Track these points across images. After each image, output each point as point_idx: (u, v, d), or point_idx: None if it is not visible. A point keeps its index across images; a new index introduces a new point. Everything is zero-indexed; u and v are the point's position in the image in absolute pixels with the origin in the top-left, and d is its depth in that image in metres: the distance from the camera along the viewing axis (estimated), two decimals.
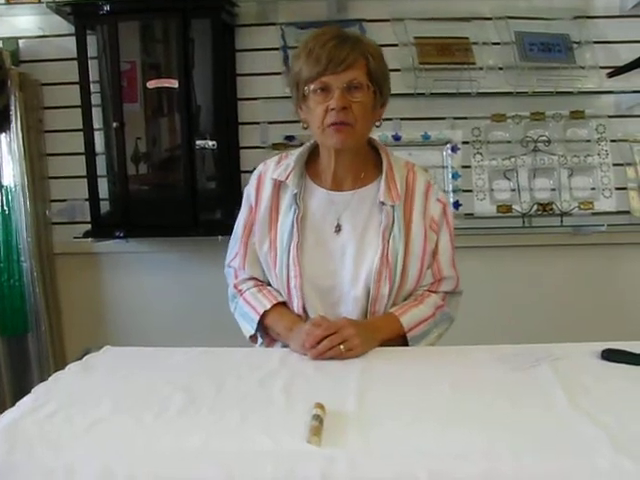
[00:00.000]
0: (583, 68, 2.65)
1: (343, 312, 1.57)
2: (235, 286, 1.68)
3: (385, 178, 1.58)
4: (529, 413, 1.10)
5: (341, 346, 1.39)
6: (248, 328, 1.63)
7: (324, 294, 1.57)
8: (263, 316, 1.60)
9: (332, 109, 1.47)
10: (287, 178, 1.58)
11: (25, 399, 1.20)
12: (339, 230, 1.58)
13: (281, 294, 1.61)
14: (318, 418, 1.04)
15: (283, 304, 1.60)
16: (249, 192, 1.67)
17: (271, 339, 1.63)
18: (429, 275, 1.63)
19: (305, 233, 1.58)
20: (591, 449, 0.95)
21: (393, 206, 1.57)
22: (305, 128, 1.59)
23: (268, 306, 1.59)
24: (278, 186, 1.61)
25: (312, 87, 1.48)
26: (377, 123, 1.59)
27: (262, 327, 1.62)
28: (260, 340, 1.65)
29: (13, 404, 1.18)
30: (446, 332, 1.66)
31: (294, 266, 1.56)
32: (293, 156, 1.62)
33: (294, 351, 1.45)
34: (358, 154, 1.59)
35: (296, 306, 1.58)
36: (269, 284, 1.66)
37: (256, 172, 1.67)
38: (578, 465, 0.93)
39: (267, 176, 1.63)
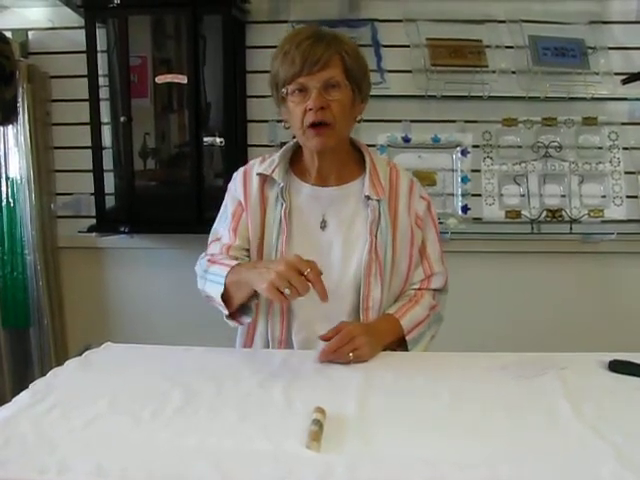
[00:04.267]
0: (597, 74, 2.62)
1: (331, 309, 1.52)
2: (209, 260, 1.56)
3: (369, 174, 1.58)
4: (531, 423, 1.08)
5: (350, 354, 1.38)
6: (219, 288, 1.46)
7: (312, 291, 1.54)
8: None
9: (310, 109, 1.46)
10: (272, 172, 1.57)
11: (22, 394, 1.19)
12: (325, 226, 1.57)
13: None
14: (318, 423, 1.03)
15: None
16: (235, 187, 1.62)
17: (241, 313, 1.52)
18: (419, 273, 1.62)
19: (292, 229, 1.56)
20: (595, 462, 0.94)
21: (379, 201, 1.56)
22: (287, 128, 1.58)
23: (233, 263, 1.47)
24: (263, 181, 1.59)
25: (290, 88, 1.48)
26: (358, 118, 1.58)
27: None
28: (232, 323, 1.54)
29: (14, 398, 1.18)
30: (437, 334, 1.64)
31: None
32: (277, 153, 1.62)
33: (260, 290, 1.35)
34: (340, 152, 1.58)
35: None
36: None
37: (239, 171, 1.64)
38: (580, 478, 0.91)
39: (253, 172, 1.61)
